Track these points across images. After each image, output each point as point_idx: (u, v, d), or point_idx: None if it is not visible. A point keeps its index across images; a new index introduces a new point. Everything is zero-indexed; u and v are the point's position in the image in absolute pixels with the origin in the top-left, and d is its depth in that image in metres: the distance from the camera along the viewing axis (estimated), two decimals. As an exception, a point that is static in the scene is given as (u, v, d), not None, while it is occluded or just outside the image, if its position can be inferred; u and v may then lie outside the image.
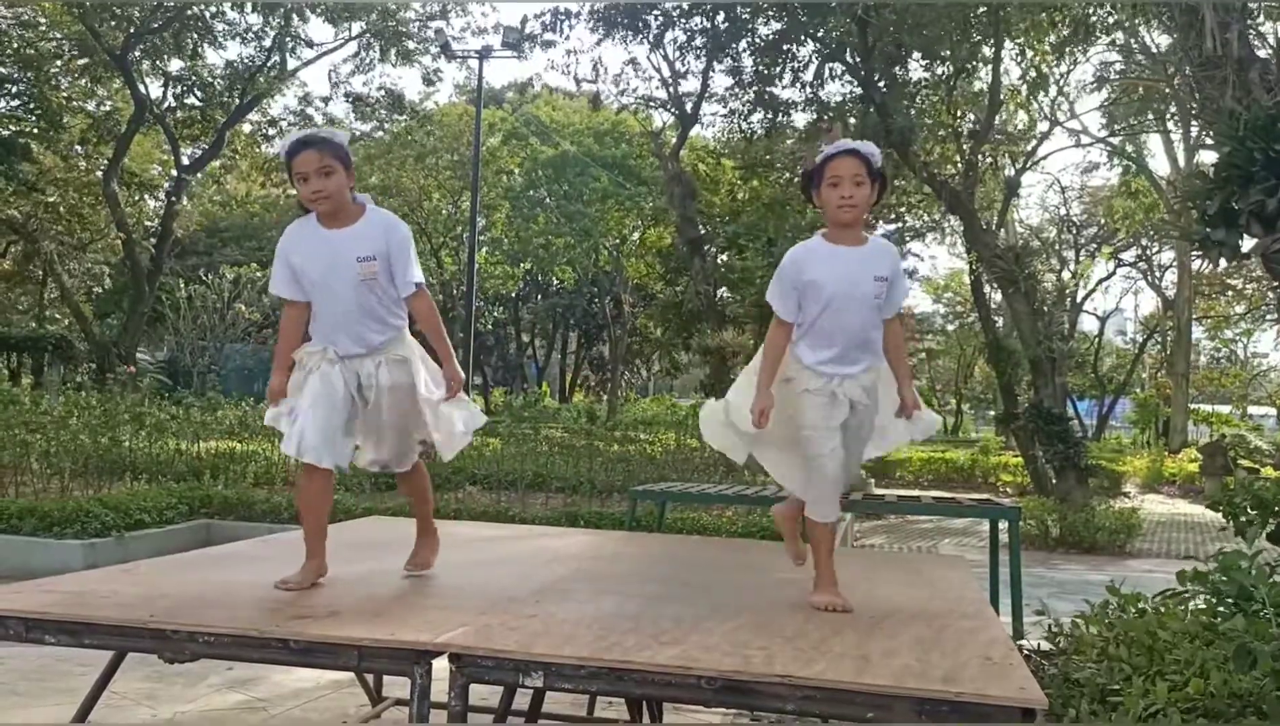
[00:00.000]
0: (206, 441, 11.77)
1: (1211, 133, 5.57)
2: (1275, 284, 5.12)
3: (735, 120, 18.06)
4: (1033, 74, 17.86)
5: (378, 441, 3.44)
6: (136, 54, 21.84)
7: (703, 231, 20.92)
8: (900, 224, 32.00)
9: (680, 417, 17.09)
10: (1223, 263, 6.02)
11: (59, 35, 21.96)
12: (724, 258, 26.53)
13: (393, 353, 3.32)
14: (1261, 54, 5.17)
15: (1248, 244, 4.92)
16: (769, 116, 17.07)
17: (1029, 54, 16.99)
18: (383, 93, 25.60)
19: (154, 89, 23.44)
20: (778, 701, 2.36)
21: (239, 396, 15.86)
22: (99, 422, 10.90)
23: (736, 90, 17.76)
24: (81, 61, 22.40)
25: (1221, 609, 3.78)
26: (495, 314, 41.14)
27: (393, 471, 3.59)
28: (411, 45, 23.58)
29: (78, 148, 24.77)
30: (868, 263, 3.18)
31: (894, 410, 3.35)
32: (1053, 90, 19.32)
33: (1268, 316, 32.73)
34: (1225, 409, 36.94)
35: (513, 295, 39.04)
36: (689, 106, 19.00)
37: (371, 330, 3.28)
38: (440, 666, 2.55)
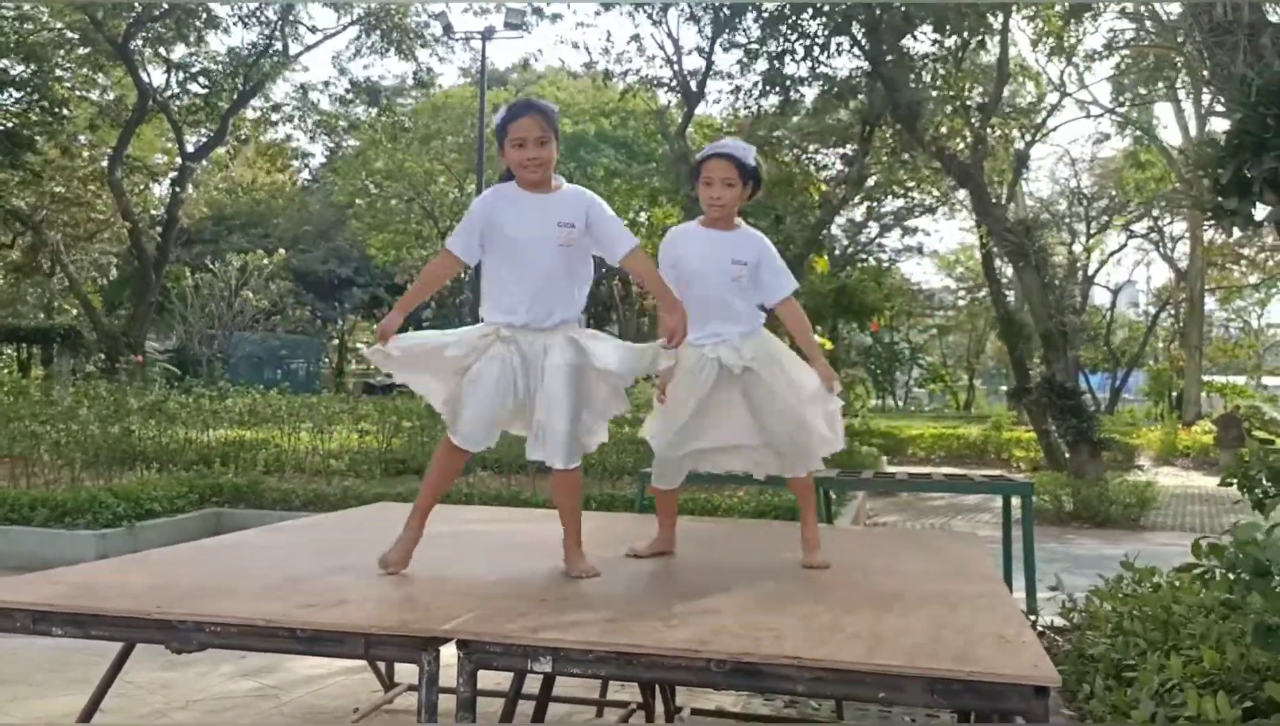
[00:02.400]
0: (216, 429, 11.79)
1: (1223, 100, 5.49)
2: (1289, 253, 5.04)
3: (742, 97, 17.93)
4: (1043, 45, 17.71)
5: (542, 428, 3.23)
6: (138, 42, 21.78)
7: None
8: (908, 198, 31.88)
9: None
10: (1236, 232, 5.94)
11: (59, 25, 21.90)
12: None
13: (568, 332, 3.29)
14: (1273, 18, 5.08)
15: (1261, 212, 4.85)
16: (779, 92, 16.92)
17: (1038, 24, 16.82)
18: (369, 83, 25.47)
19: (156, 76, 23.40)
20: (788, 683, 2.34)
21: (248, 384, 15.85)
22: (109, 413, 10.92)
23: (744, 66, 17.62)
24: (83, 51, 22.34)
25: (1237, 583, 3.74)
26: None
27: (552, 467, 3.28)
28: (410, 36, 23.41)
29: (82, 137, 24.75)
30: (731, 246, 3.51)
31: (810, 400, 3.53)
32: (1062, 61, 19.12)
33: (1281, 286, 32.54)
34: (1239, 380, 36.74)
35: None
36: (694, 85, 18.87)
37: (559, 302, 3.28)
38: (449, 652, 2.54)
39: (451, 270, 3.47)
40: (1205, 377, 31.17)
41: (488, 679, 2.72)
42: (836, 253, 33.88)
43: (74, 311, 25.68)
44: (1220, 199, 4.81)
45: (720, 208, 3.52)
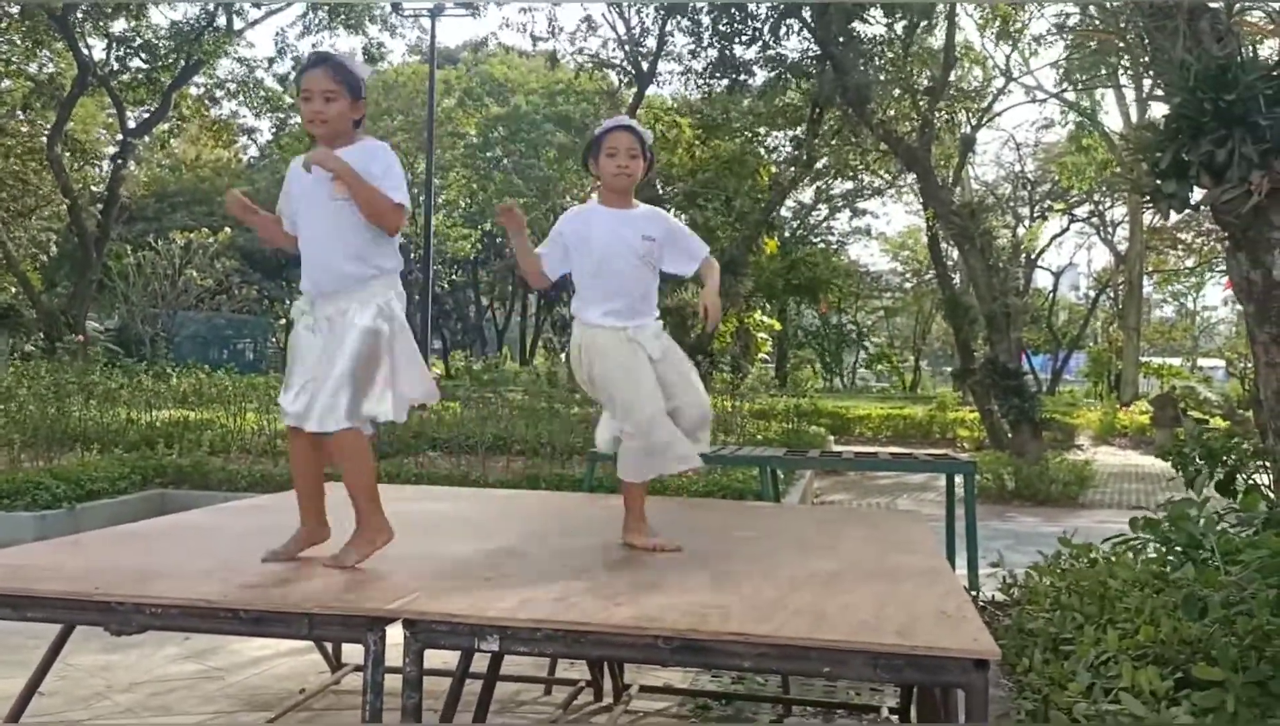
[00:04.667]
0: (160, 410, 11.61)
1: (1163, 84, 5.59)
2: (1224, 236, 5.16)
3: (694, 79, 17.94)
4: (990, 30, 17.90)
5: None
6: (78, 15, 21.25)
7: (660, 191, 20.81)
8: (857, 181, 32.10)
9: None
10: (1174, 215, 6.06)
11: (-4, -4, 21.30)
12: (683, 217, 26.46)
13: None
14: (1212, 4, 5.18)
15: (1198, 195, 4.96)
16: (728, 76, 16.95)
17: (984, 9, 17.00)
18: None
19: (97, 51, 22.85)
20: (734, 659, 2.37)
21: (194, 364, 15.62)
22: (48, 392, 10.71)
23: (695, 49, 17.62)
24: (22, 25, 21.74)
25: (1171, 557, 3.84)
26: (453, 277, 40.79)
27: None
28: (356, 12, 23.06)
29: (20, 113, 24.11)
30: (638, 224, 3.51)
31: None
32: (1008, 46, 19.35)
33: (1216, 270, 33.24)
34: (1176, 362, 37.57)
35: (471, 258, 38.72)
36: (645, 66, 18.84)
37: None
38: (396, 632, 2.53)
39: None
40: (1143, 359, 31.83)
41: (434, 658, 2.72)
42: (786, 234, 34.05)
43: (12, 289, 25.05)
44: (1159, 182, 4.90)
45: (628, 177, 3.48)
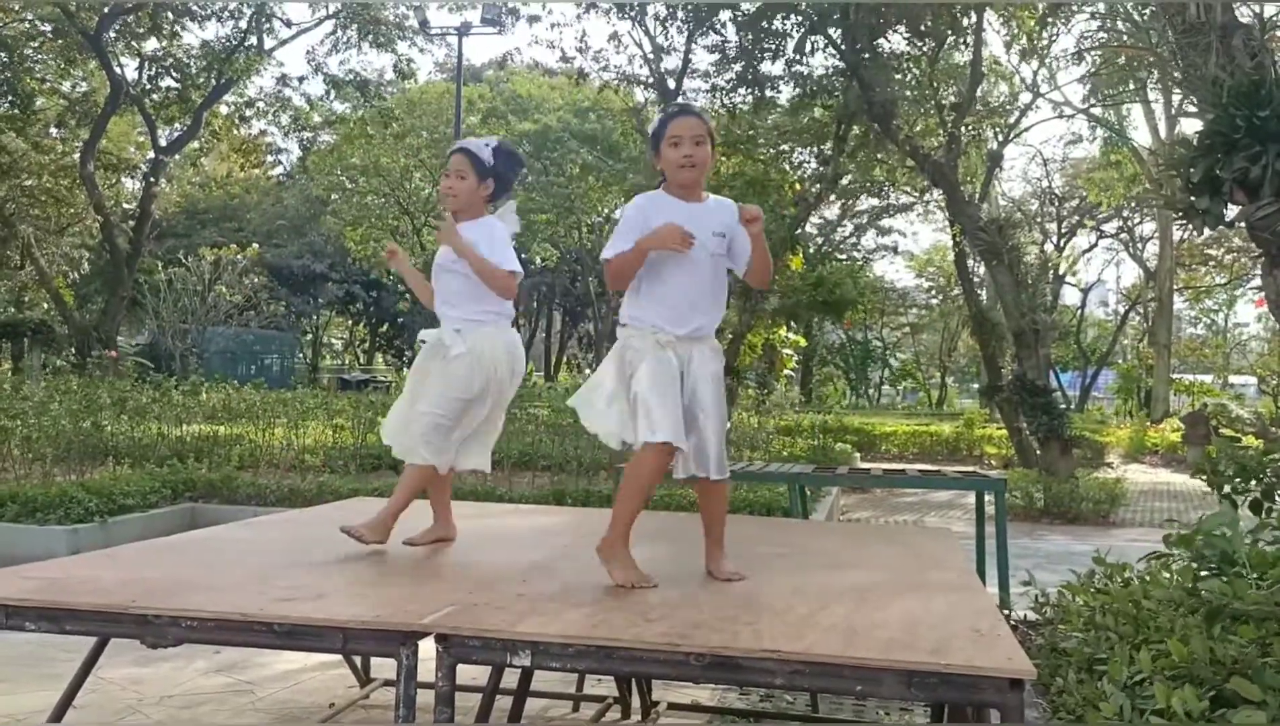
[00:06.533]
0: (189, 425, 11.70)
1: (1194, 100, 5.56)
2: (1258, 253, 5.11)
3: (718, 96, 17.97)
4: (1017, 46, 17.83)
5: (698, 442, 3.17)
6: (111, 34, 21.57)
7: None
8: (883, 197, 32.00)
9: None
10: (1206, 231, 6.02)
11: (30, 17, 21.66)
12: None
13: (712, 342, 3.29)
14: (1245, 20, 5.15)
15: (1232, 212, 4.92)
16: (754, 92, 16.97)
17: (1011, 25, 16.94)
18: (354, 76, 25.32)
19: (129, 70, 23.19)
20: (766, 676, 2.36)
21: (222, 379, 15.74)
22: (80, 407, 10.82)
23: (720, 66, 17.65)
24: (56, 43, 22.11)
25: (1205, 574, 3.80)
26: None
27: (710, 479, 3.22)
28: (385, 29, 23.29)
29: (54, 130, 24.47)
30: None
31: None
32: (1035, 61, 19.27)
33: (1249, 286, 32.92)
34: (1206, 379, 37.20)
35: (495, 274, 38.78)
36: (671, 83, 18.88)
37: (709, 310, 3.25)
38: (427, 647, 2.54)
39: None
40: (1173, 376, 31.52)
41: (462, 673, 2.73)
42: (811, 251, 33.99)
43: (45, 306, 25.38)
44: (1192, 198, 4.87)
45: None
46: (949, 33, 15.43)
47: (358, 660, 4.37)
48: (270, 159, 36.19)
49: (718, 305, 3.28)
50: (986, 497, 5.87)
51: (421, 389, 3.76)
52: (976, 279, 19.35)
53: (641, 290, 3.21)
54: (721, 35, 17.13)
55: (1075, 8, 16.87)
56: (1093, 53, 19.34)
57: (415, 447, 3.64)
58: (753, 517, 7.38)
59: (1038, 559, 8.52)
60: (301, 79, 27.00)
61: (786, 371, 23.35)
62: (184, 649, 3.12)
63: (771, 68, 16.54)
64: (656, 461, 3.07)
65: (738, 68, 16.59)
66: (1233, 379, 41.59)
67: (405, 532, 3.69)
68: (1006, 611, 4.97)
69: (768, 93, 17.01)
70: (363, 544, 3.55)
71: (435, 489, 3.81)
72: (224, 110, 25.40)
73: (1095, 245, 36.36)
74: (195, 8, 21.76)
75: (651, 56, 18.91)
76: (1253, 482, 4.40)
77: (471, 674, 3.19)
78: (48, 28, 21.78)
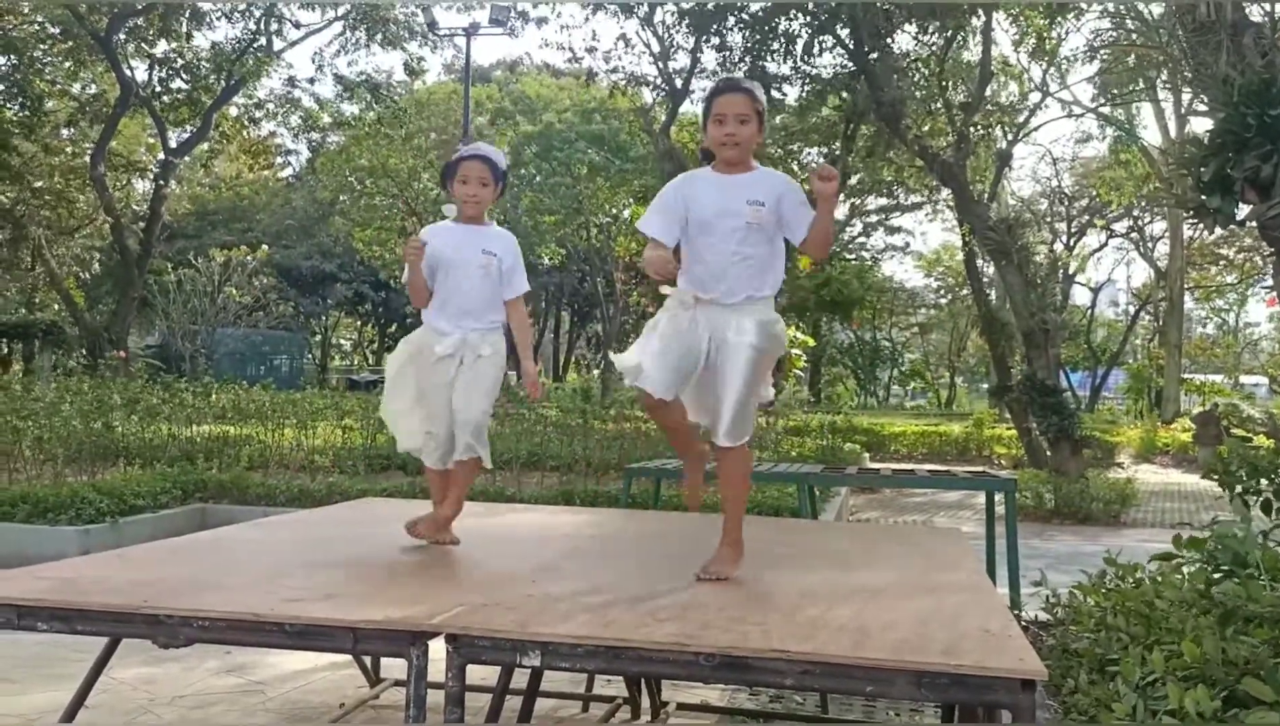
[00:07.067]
0: (200, 425, 11.74)
1: (1205, 99, 5.53)
2: (1269, 252, 5.09)
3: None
4: (1026, 44, 17.79)
5: (714, 404, 3.16)
6: (121, 36, 21.65)
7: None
8: (891, 197, 31.96)
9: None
10: (1217, 231, 6.00)
11: (41, 19, 21.75)
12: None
13: (757, 313, 3.18)
14: (1255, 18, 5.13)
15: (1243, 211, 4.90)
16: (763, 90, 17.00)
17: (1020, 23, 16.90)
18: (365, 78, 25.38)
19: (139, 72, 23.28)
20: (776, 676, 2.35)
21: (231, 380, 15.78)
22: (91, 408, 10.86)
23: (728, 66, 17.66)
24: (65, 45, 22.20)
25: (1217, 575, 3.78)
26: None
27: (719, 444, 3.20)
28: (394, 29, 23.34)
29: (64, 132, 24.57)
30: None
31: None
32: (1044, 60, 19.22)
33: (1260, 286, 32.80)
34: (1218, 379, 37.06)
35: (504, 274, 38.85)
36: (679, 83, 18.89)
37: (742, 277, 3.17)
38: (437, 647, 2.54)
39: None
40: (1184, 376, 31.40)
41: (471, 673, 2.73)
42: (819, 250, 33.90)
43: (56, 307, 25.48)
44: (1203, 197, 4.85)
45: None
46: (957, 32, 15.39)
47: (368, 660, 4.38)
48: (279, 160, 36.33)
49: (757, 273, 3.19)
50: (996, 498, 5.85)
51: (428, 390, 3.77)
52: (986, 278, 19.30)
53: (684, 260, 3.26)
54: (727, 36, 17.13)
55: (1085, 7, 16.84)
56: (1102, 51, 19.27)
57: (474, 446, 3.69)
58: (762, 518, 7.37)
59: (1048, 559, 8.49)
60: (311, 80, 27.14)
61: (795, 371, 23.33)
62: (194, 649, 3.13)
63: (780, 67, 16.53)
64: (644, 400, 3.15)
65: (744, 68, 16.58)
66: (1244, 379, 41.44)
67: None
68: (1017, 612, 4.96)
69: (775, 93, 17.00)
70: (441, 544, 3.69)
71: (440, 479, 3.86)
72: (233, 112, 25.48)
73: (1105, 244, 36.30)
74: (204, 8, 21.83)
75: (659, 57, 18.92)
76: (1264, 483, 4.38)
77: (481, 674, 3.19)
78: (57, 30, 21.86)
